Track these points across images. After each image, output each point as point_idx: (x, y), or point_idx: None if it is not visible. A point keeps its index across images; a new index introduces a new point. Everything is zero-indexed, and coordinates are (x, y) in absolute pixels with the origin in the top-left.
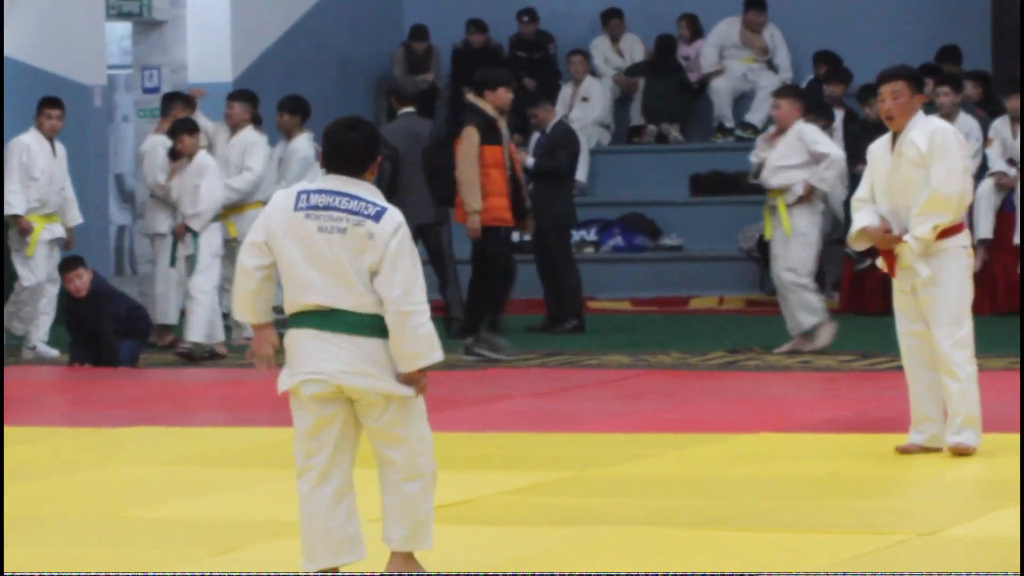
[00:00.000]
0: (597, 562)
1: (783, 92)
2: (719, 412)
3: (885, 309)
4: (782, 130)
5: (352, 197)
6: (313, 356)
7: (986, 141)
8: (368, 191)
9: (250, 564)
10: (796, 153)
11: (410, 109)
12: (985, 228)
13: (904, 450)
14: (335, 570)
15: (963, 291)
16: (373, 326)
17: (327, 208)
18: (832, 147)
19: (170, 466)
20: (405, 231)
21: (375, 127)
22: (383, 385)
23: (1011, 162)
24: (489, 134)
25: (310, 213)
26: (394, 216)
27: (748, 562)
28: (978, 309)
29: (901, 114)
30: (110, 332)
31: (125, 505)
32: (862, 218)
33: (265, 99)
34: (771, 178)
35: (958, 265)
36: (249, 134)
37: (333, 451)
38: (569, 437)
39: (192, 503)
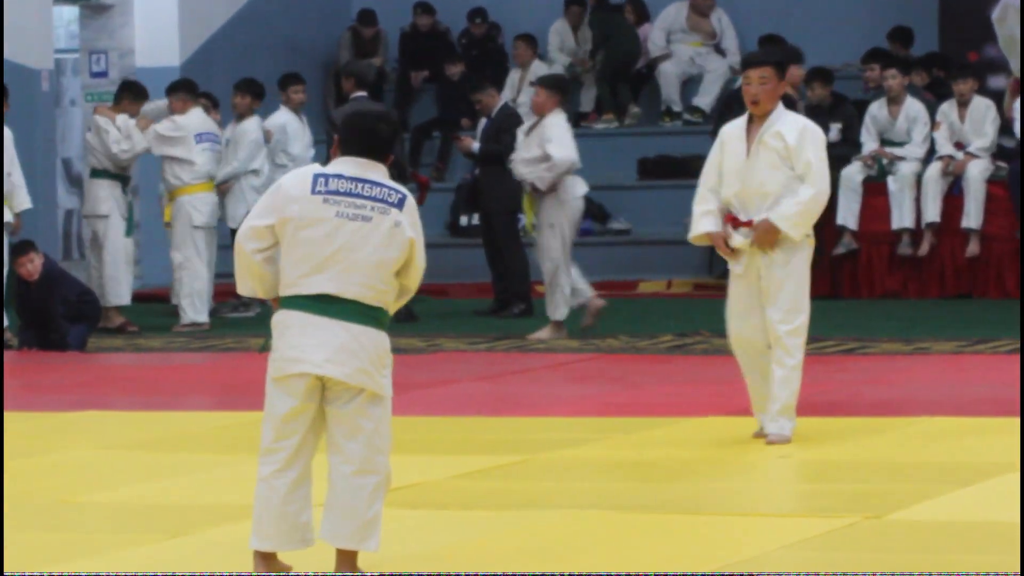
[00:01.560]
0: (547, 546)
1: (542, 81)
2: (668, 396)
3: (831, 292)
4: (539, 119)
5: (373, 183)
6: (302, 342)
7: (934, 125)
8: (385, 175)
9: (201, 548)
10: (537, 146)
11: (362, 93)
12: (933, 212)
13: (761, 435)
14: (272, 555)
15: (806, 279)
16: (370, 316)
17: (348, 194)
18: (560, 150)
19: (120, 450)
20: (418, 217)
21: (396, 119)
22: (364, 380)
23: (958, 146)
24: None
25: (328, 198)
26: (413, 205)
27: (697, 545)
28: (926, 293)
29: (767, 99)
30: (60, 316)
31: (75, 490)
32: (708, 224)
33: (213, 83)
34: (514, 169)
35: (804, 254)
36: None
37: (304, 437)
38: (518, 421)
39: (142, 487)
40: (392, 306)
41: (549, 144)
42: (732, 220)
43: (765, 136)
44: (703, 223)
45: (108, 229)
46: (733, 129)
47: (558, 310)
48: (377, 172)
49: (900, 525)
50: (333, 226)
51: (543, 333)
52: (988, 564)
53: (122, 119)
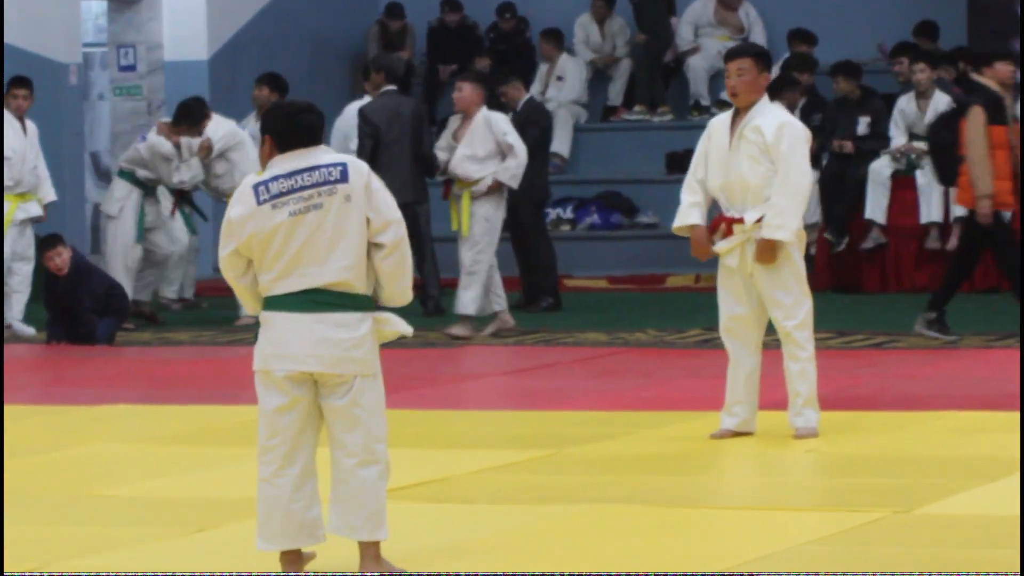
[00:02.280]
0: (574, 540)
1: (466, 76)
2: (696, 390)
3: (859, 287)
4: (466, 116)
5: (311, 169)
6: (285, 338)
7: None
8: (322, 152)
9: (226, 542)
10: (484, 143)
11: (391, 87)
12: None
13: (718, 436)
14: (296, 552)
15: (800, 270)
16: (347, 302)
17: (291, 191)
18: (519, 140)
19: (146, 444)
20: (371, 175)
21: (320, 109)
22: (350, 367)
23: None
24: (995, 113)
25: (276, 203)
26: (357, 167)
27: (724, 540)
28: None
29: (747, 91)
30: (88, 310)
31: (100, 483)
32: (694, 216)
33: (241, 77)
34: (458, 168)
35: (794, 246)
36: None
37: (298, 432)
38: (546, 415)
39: (168, 481)
40: (391, 262)
41: (506, 136)
42: (725, 220)
43: (745, 130)
44: (691, 214)
45: (114, 230)
46: (719, 121)
47: (474, 304)
48: (311, 156)
49: (928, 520)
50: (289, 226)
51: (460, 329)
52: (1017, 560)
53: (186, 142)
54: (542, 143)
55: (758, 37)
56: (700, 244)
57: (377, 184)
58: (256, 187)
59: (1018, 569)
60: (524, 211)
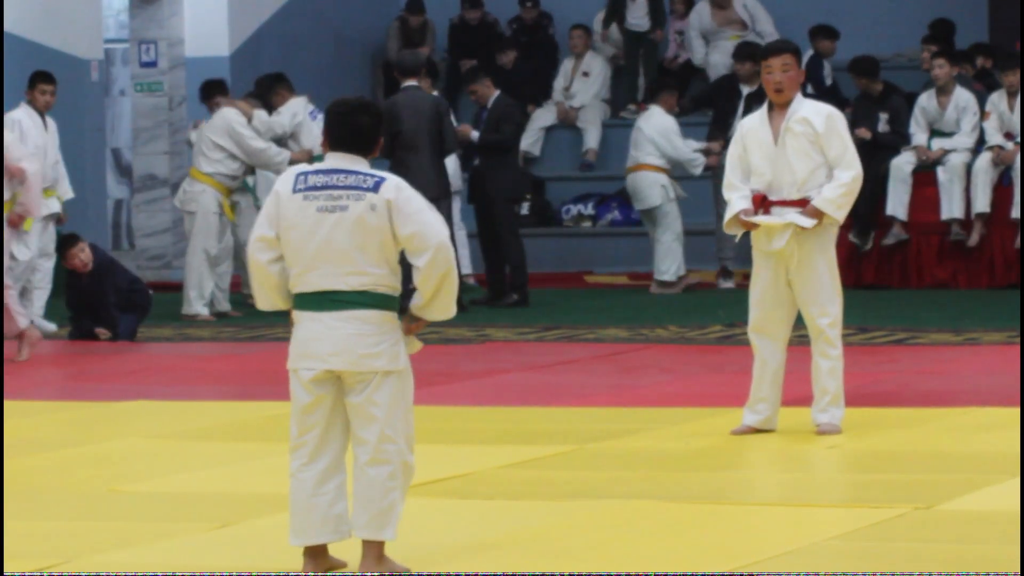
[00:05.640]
0: (596, 536)
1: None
2: (717, 386)
3: (881, 283)
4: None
5: (349, 172)
6: (308, 337)
7: (983, 115)
8: (366, 166)
9: (249, 538)
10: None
11: (412, 83)
12: (983, 202)
13: (739, 432)
14: (321, 549)
15: (835, 267)
16: (367, 301)
17: (325, 187)
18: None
19: (168, 440)
20: (409, 191)
21: (380, 109)
22: (372, 363)
23: (1008, 136)
24: None
25: (308, 194)
26: (393, 183)
27: (746, 536)
28: (976, 283)
29: (790, 86)
30: (112, 305)
31: (122, 478)
32: (737, 204)
33: (262, 73)
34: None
35: (831, 243)
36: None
37: (324, 429)
38: (567, 411)
39: (189, 477)
40: (426, 287)
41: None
42: (762, 199)
43: (791, 123)
44: (738, 203)
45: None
46: (753, 122)
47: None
48: (357, 163)
49: (950, 516)
50: (314, 222)
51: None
52: None
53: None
54: (515, 139)
55: (765, 26)
56: (749, 219)
57: (408, 206)
58: (298, 175)
59: None
60: (497, 206)
